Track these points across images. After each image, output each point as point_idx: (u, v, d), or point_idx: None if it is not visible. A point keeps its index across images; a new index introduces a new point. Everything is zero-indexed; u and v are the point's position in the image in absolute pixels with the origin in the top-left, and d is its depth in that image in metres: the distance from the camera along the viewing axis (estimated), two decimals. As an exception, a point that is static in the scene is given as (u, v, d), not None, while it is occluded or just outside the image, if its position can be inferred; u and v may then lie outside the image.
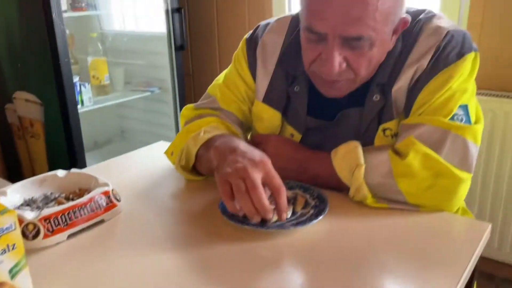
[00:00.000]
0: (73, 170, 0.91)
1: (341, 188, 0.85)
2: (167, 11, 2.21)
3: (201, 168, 0.93)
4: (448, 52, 0.82)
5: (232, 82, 1.02)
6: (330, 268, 0.65)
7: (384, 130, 0.87)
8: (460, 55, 0.82)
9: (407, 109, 0.86)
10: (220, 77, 1.07)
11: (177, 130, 2.42)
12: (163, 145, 1.20)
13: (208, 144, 0.87)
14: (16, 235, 0.52)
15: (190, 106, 1.06)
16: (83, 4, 2.07)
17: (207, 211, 0.83)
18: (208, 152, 0.85)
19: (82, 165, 1.95)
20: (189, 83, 2.72)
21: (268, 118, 0.98)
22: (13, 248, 0.52)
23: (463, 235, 0.75)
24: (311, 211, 0.79)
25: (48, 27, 1.72)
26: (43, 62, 1.84)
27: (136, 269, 0.66)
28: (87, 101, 2.02)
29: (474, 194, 1.70)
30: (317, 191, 0.84)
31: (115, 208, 0.81)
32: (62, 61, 1.75)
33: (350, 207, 0.82)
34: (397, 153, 0.81)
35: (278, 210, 0.73)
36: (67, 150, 1.90)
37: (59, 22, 1.72)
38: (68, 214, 0.75)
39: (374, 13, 0.74)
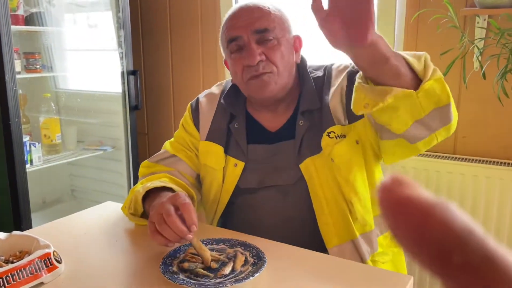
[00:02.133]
0: (15, 232, 0.91)
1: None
2: (122, 73, 2.29)
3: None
4: (357, 69, 0.98)
5: (180, 137, 1.19)
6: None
7: (328, 133, 1.02)
8: None
9: (349, 112, 1.01)
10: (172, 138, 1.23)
11: (130, 188, 2.41)
12: (110, 205, 1.22)
13: (150, 195, 0.99)
14: None
15: (145, 163, 1.19)
16: (38, 66, 2.12)
17: (149, 273, 0.85)
18: (148, 203, 0.98)
19: (28, 225, 1.89)
20: (144, 142, 2.76)
21: (213, 151, 1.12)
22: None
23: (387, 286, 0.80)
24: (250, 268, 0.83)
25: (0, 88, 1.74)
26: (-8, 122, 1.83)
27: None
28: (36, 160, 2.01)
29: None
30: (256, 249, 0.89)
31: (55, 270, 0.82)
32: (13, 121, 1.76)
33: (287, 261, 0.87)
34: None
35: (187, 224, 0.83)
36: (12, 210, 1.85)
37: (12, 83, 1.75)
38: (6, 277, 0.75)
39: (269, 14, 1.02)
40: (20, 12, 2.00)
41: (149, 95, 2.68)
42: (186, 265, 0.83)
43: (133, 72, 2.31)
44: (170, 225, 0.82)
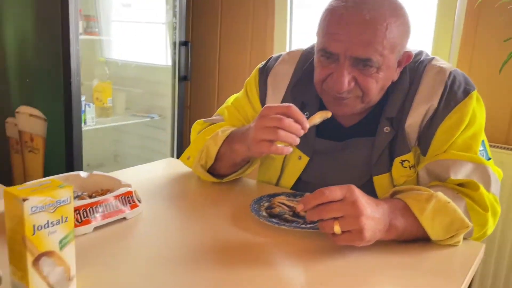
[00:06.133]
0: (95, 171, 0.95)
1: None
2: (174, 44, 2.32)
3: (221, 166, 1.00)
4: (455, 91, 0.92)
5: (240, 105, 1.12)
6: (344, 268, 0.70)
7: (402, 162, 0.94)
8: (466, 92, 0.92)
9: (422, 144, 0.93)
10: (229, 100, 1.16)
11: (172, 157, 2.47)
12: (173, 161, 1.26)
13: (228, 139, 0.96)
14: (69, 209, 0.56)
15: (200, 121, 1.14)
16: (96, 29, 2.17)
17: (221, 221, 0.88)
18: (232, 145, 0.94)
19: (78, 182, 1.96)
20: (186, 115, 2.80)
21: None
22: (65, 221, 0.56)
23: (460, 252, 0.81)
24: None
25: (64, 46, 1.79)
26: (53, 79, 1.90)
27: (155, 261, 0.70)
28: (89, 120, 2.08)
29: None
30: None
31: (136, 208, 0.86)
32: (74, 79, 1.82)
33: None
34: (473, 200, 0.84)
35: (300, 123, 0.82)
36: (66, 166, 1.92)
37: (75, 43, 1.80)
38: (96, 207, 0.79)
39: (382, 40, 0.84)
40: (83, -25, 2.06)
41: (195, 67, 2.71)
42: (276, 210, 0.86)
43: (184, 43, 2.34)
44: (285, 128, 0.80)
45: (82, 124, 2.00)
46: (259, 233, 0.81)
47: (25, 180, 2.19)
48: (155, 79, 2.50)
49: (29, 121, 2.06)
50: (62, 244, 0.57)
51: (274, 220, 0.83)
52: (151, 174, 1.15)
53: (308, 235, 0.80)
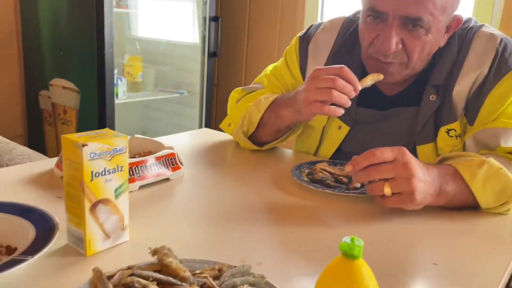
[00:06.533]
0: (137, 135, 0.96)
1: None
2: (204, 19, 2.31)
3: (263, 133, 0.99)
4: (506, 58, 0.89)
5: (280, 73, 1.10)
6: (381, 236, 0.69)
7: (448, 131, 0.91)
8: None
9: (470, 112, 0.91)
10: (268, 69, 1.14)
11: (200, 134, 2.48)
12: (207, 132, 1.26)
13: (273, 105, 0.95)
14: (125, 158, 0.57)
15: (238, 89, 1.13)
16: (127, 2, 2.18)
17: (261, 186, 0.88)
18: (277, 110, 0.93)
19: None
20: (214, 93, 2.80)
21: None
22: (121, 170, 0.57)
23: (510, 220, 0.79)
24: None
25: (98, 18, 1.80)
26: (86, 52, 1.91)
27: (200, 219, 0.71)
28: (121, 94, 2.10)
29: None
30: None
31: (179, 170, 0.86)
32: (107, 52, 1.83)
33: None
34: None
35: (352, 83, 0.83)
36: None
37: (109, 14, 1.81)
38: (140, 167, 0.80)
39: None
40: None
41: (222, 44, 2.69)
42: (319, 176, 0.85)
43: (215, 18, 2.32)
44: (337, 88, 0.80)
45: (114, 97, 2.02)
46: (303, 197, 0.80)
47: (58, 152, 2.23)
48: (183, 56, 2.50)
49: (62, 93, 2.09)
50: (117, 193, 0.57)
51: (317, 185, 0.82)
52: (188, 141, 1.16)
53: (353, 200, 0.79)
